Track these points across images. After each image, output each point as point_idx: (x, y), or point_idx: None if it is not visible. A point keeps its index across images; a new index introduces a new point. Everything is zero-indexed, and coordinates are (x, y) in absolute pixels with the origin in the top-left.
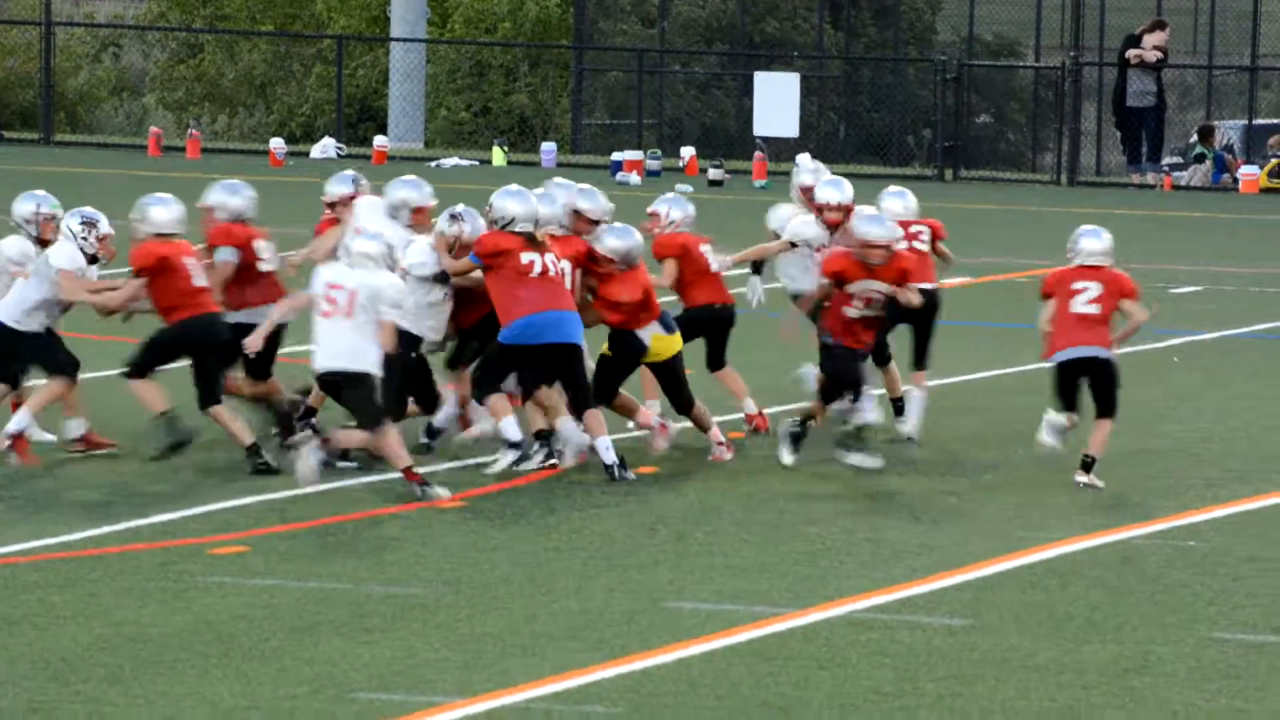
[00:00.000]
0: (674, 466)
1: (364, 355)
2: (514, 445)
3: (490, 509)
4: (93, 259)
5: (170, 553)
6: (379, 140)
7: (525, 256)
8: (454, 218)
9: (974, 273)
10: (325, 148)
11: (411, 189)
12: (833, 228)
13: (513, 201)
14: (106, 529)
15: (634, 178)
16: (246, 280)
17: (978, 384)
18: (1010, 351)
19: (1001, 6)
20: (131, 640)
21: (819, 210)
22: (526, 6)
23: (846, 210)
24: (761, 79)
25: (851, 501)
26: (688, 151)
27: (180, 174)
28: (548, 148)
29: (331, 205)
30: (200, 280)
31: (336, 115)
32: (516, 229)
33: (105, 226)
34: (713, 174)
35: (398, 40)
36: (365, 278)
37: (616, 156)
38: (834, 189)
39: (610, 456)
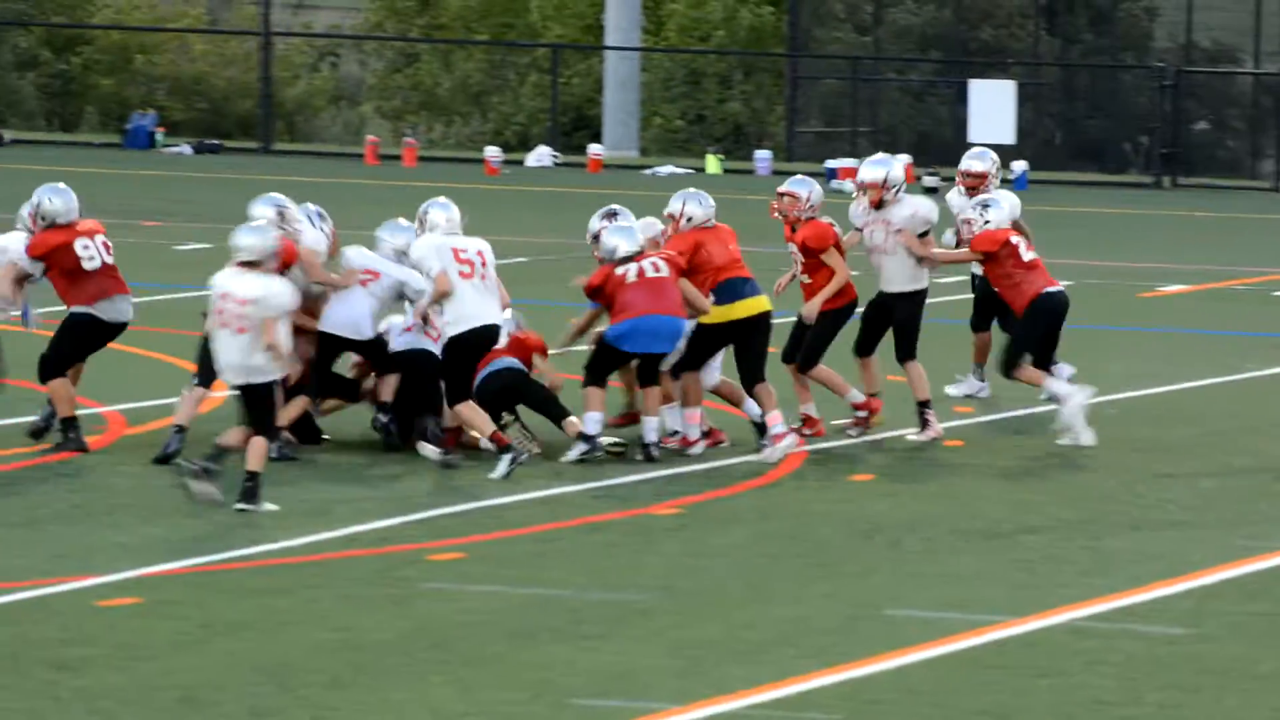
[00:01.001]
0: (889, 474)
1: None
2: (588, 439)
3: (707, 516)
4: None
5: (390, 559)
6: (593, 148)
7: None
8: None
9: (1190, 280)
10: (540, 156)
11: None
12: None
13: (618, 236)
14: (326, 535)
15: (849, 185)
16: (85, 278)
17: (1195, 392)
18: (1228, 359)
19: (1220, 12)
20: (352, 646)
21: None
22: (741, 15)
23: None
24: (977, 86)
25: (1069, 509)
26: (903, 159)
27: (397, 182)
28: (762, 155)
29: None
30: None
31: (551, 124)
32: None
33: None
34: (928, 181)
35: (612, 49)
36: None
37: (830, 164)
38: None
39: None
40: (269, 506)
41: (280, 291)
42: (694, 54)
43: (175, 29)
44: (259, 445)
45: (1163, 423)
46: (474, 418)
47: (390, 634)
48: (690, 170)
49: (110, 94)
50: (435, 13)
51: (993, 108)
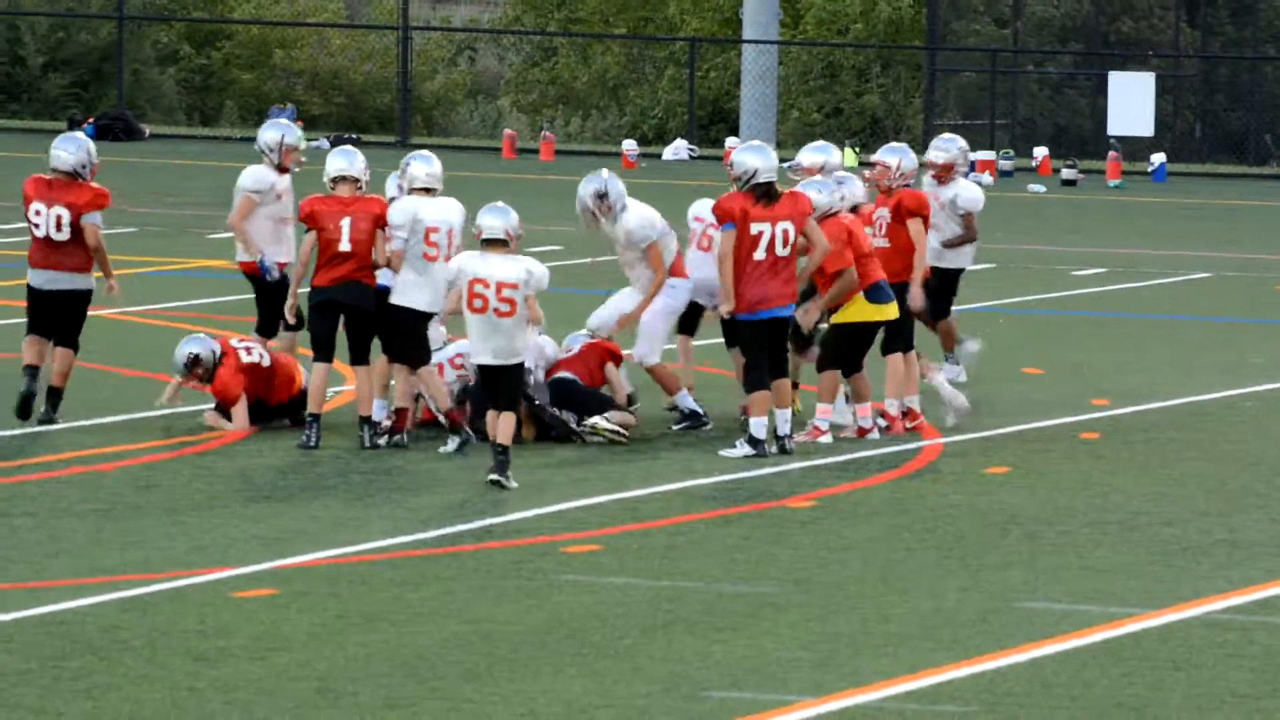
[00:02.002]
0: (1025, 466)
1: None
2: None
3: (842, 508)
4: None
5: (524, 551)
6: (731, 141)
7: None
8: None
9: None
10: (677, 149)
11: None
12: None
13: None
14: (461, 527)
15: (986, 178)
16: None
17: None
18: None
19: None
20: (487, 637)
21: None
22: (879, 7)
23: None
24: (1116, 78)
25: (1207, 501)
26: (1040, 151)
27: (534, 175)
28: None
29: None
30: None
31: (689, 117)
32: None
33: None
34: (1066, 174)
35: (750, 42)
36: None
37: (969, 157)
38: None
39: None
40: (514, 484)
41: (541, 269)
42: (832, 47)
43: (314, 24)
44: (509, 420)
45: None
46: (436, 385)
47: (524, 626)
48: None
49: (249, 88)
50: (573, 6)
51: (1132, 100)
